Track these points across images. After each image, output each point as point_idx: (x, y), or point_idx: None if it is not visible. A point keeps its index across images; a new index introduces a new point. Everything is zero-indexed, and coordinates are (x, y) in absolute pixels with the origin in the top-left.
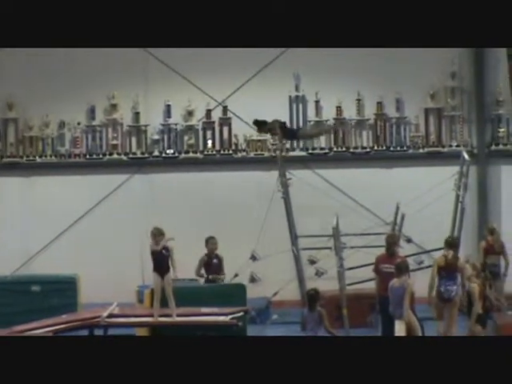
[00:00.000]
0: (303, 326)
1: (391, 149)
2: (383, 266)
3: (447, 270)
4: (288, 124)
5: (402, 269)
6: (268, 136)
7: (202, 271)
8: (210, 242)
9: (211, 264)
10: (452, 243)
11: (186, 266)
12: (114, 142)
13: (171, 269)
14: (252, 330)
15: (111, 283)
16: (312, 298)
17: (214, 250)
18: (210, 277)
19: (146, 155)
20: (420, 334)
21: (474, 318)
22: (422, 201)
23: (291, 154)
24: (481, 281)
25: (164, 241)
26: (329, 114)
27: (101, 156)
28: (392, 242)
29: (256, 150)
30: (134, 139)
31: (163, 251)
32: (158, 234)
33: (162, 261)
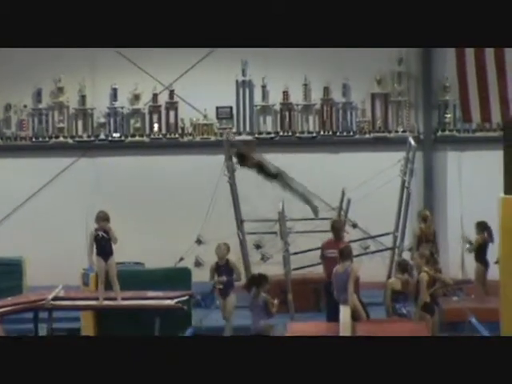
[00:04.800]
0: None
1: (337, 134)
2: (328, 252)
3: (404, 293)
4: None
5: (345, 254)
6: (215, 120)
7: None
8: (218, 248)
9: (220, 270)
10: (405, 268)
11: (131, 250)
12: (60, 125)
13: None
14: (197, 314)
15: (57, 266)
16: (252, 283)
17: (223, 256)
18: (214, 281)
19: (92, 138)
20: (365, 319)
21: (420, 306)
22: (368, 186)
23: (237, 138)
24: (429, 268)
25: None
26: (275, 99)
27: (47, 139)
28: (338, 228)
29: (202, 134)
30: (80, 122)
31: (105, 234)
32: (103, 218)
33: (104, 244)
